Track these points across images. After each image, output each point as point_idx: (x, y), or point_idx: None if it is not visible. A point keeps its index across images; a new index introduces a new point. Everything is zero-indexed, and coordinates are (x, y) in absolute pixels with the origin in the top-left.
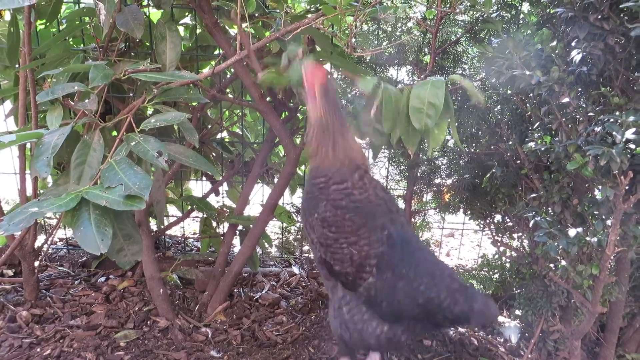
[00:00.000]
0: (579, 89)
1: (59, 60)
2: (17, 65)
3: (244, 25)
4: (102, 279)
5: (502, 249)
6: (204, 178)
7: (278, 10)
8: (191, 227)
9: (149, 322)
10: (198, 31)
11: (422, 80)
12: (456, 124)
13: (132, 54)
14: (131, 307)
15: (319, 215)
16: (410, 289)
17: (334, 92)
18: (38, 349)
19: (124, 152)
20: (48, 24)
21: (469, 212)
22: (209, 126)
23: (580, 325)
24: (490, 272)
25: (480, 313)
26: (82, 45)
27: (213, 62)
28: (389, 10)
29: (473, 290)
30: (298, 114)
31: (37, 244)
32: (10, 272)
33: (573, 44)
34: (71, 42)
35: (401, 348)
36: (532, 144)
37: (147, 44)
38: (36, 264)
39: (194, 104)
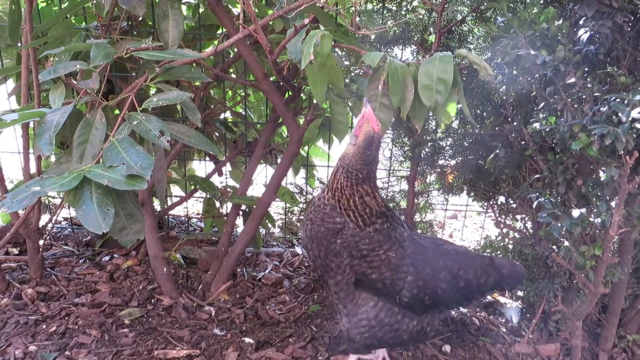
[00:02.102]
0: (585, 69)
1: (61, 39)
2: (19, 44)
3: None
4: (107, 258)
5: (505, 230)
6: (207, 158)
7: None
8: (195, 207)
9: (153, 300)
10: (201, 10)
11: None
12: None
13: (135, 32)
14: (135, 285)
15: (347, 237)
16: (451, 277)
17: (376, 148)
18: (43, 326)
19: (126, 131)
20: (50, 1)
21: (472, 193)
22: (212, 106)
23: (582, 306)
24: (493, 254)
25: (510, 277)
26: (84, 23)
27: (216, 41)
28: None
29: (498, 259)
30: (302, 94)
31: (42, 223)
32: (15, 251)
33: (581, 22)
34: (73, 21)
35: (427, 339)
36: (536, 125)
37: (150, 22)
38: (41, 242)
39: (196, 83)
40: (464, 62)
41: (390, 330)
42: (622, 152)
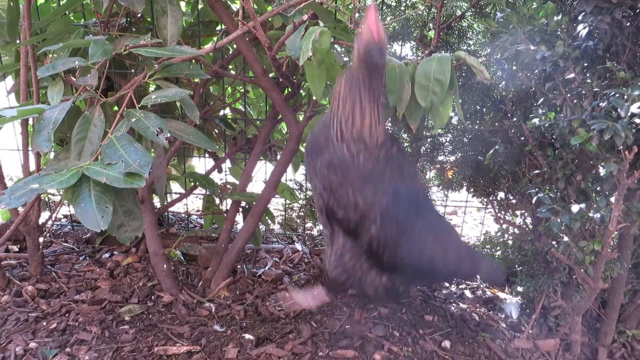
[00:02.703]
0: (585, 64)
1: (59, 36)
2: (17, 41)
3: None
4: (107, 255)
5: (504, 226)
6: (206, 155)
7: None
8: (194, 204)
9: (153, 297)
10: (200, 6)
11: (427, 56)
12: (460, 101)
13: (134, 29)
14: (135, 282)
15: (325, 159)
16: (414, 248)
17: (382, 57)
18: (44, 323)
19: (125, 128)
20: None
21: (472, 189)
22: (211, 103)
23: (581, 301)
24: (493, 250)
25: (487, 276)
26: (82, 20)
27: (215, 38)
28: None
29: (479, 257)
30: (301, 91)
31: (42, 220)
32: (15, 248)
33: (579, 18)
34: (71, 17)
35: (398, 299)
36: (536, 120)
37: (149, 19)
38: (41, 239)
39: (196, 80)
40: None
41: (355, 278)
42: (621, 147)
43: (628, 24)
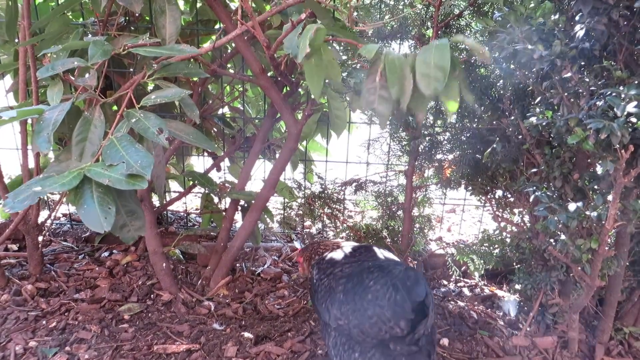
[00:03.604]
0: (582, 63)
1: (58, 35)
2: (16, 40)
3: None
4: (106, 253)
5: (502, 224)
6: (205, 154)
7: None
8: (193, 202)
9: (152, 295)
10: (198, 5)
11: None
12: (466, 85)
13: (132, 28)
14: (135, 281)
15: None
16: (362, 289)
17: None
18: (43, 322)
19: (125, 128)
20: None
21: (470, 187)
22: (210, 101)
23: (578, 299)
24: (491, 247)
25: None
26: (81, 19)
27: (214, 37)
28: None
29: (414, 280)
30: (299, 89)
31: (41, 219)
32: (14, 247)
33: (577, 18)
34: (70, 17)
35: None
36: (533, 119)
37: (147, 18)
38: (40, 238)
39: (194, 79)
40: (463, 51)
41: (338, 357)
42: (618, 146)
43: (625, 23)
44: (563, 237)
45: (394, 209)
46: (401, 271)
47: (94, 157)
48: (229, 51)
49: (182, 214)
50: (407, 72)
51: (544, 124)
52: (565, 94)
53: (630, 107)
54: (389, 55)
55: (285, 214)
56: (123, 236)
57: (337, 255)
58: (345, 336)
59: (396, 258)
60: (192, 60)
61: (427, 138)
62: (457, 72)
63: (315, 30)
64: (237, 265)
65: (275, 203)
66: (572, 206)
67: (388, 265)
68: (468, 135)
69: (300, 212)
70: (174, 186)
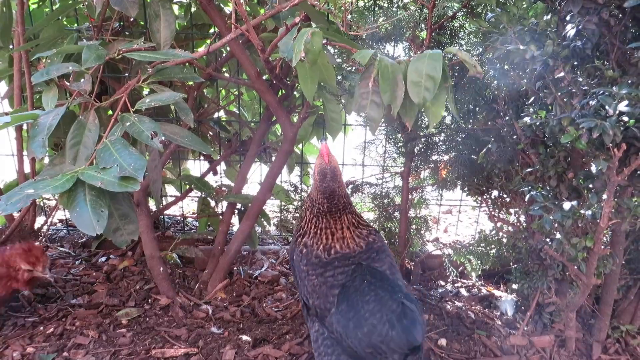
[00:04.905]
0: (574, 63)
1: (52, 41)
2: (10, 46)
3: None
4: (103, 258)
5: (499, 224)
6: (201, 158)
7: None
8: (190, 206)
9: (149, 300)
10: (193, 9)
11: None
12: (453, 96)
13: (127, 33)
14: (132, 285)
15: (296, 254)
16: (357, 317)
17: (332, 180)
18: (41, 328)
19: (119, 132)
20: (41, 3)
21: (466, 188)
22: (206, 105)
23: (575, 297)
24: (488, 248)
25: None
26: (75, 24)
27: (208, 41)
28: None
29: (410, 320)
30: (295, 92)
31: (37, 225)
32: None
33: (567, 18)
34: (65, 22)
35: None
36: (527, 119)
37: (142, 23)
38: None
39: (190, 83)
40: (454, 58)
41: None
42: (610, 144)
43: (616, 22)
44: (559, 236)
45: (390, 211)
46: (399, 305)
47: (88, 161)
48: (224, 55)
49: (179, 218)
50: (399, 79)
51: (537, 123)
52: (559, 93)
53: (622, 106)
54: (382, 62)
55: (282, 217)
56: (116, 240)
57: (325, 251)
58: (332, 340)
59: (393, 262)
60: (187, 64)
61: (422, 139)
62: (447, 84)
63: (311, 34)
64: (235, 268)
65: (272, 206)
66: (567, 205)
67: (385, 290)
68: (463, 136)
69: (297, 214)
70: (171, 190)
